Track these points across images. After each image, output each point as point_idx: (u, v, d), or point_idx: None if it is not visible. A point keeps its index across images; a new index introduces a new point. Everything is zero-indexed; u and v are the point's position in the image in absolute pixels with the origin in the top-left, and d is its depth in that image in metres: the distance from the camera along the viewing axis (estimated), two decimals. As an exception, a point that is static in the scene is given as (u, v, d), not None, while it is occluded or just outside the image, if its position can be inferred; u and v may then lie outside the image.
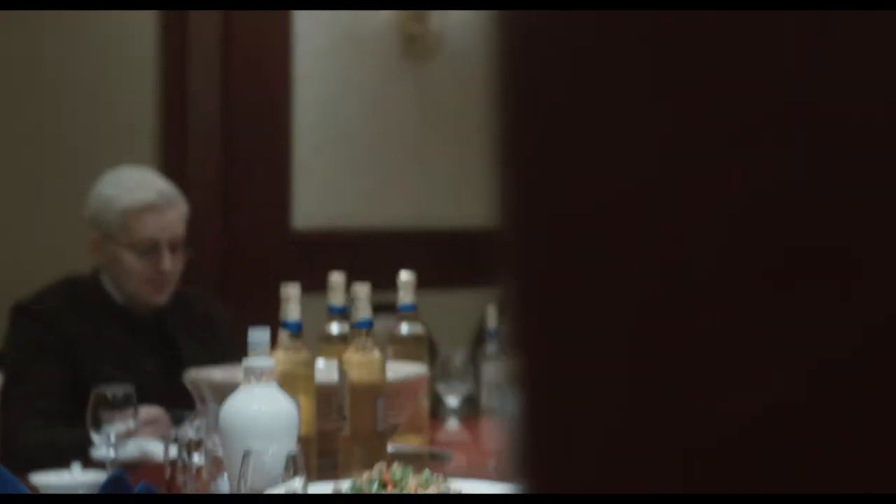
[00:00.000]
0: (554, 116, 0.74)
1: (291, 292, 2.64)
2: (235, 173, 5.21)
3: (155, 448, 3.26)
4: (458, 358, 3.64)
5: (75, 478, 2.93)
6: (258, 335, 2.38)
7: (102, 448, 3.18)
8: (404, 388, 2.82)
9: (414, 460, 2.83)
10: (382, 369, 2.65)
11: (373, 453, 2.62)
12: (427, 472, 2.26)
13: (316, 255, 5.36)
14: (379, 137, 5.60)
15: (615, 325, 0.66)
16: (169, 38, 5.05)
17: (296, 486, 2.04)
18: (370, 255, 5.46)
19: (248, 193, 5.25)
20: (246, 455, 2.03)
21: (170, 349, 3.78)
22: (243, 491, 2.02)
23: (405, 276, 3.14)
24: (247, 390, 2.36)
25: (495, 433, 3.57)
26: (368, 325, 2.65)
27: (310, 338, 5.31)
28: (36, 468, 2.98)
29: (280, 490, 2.04)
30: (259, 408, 2.34)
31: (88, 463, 3.04)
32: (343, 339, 3.05)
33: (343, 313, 3.14)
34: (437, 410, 3.52)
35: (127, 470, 2.80)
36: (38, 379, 3.58)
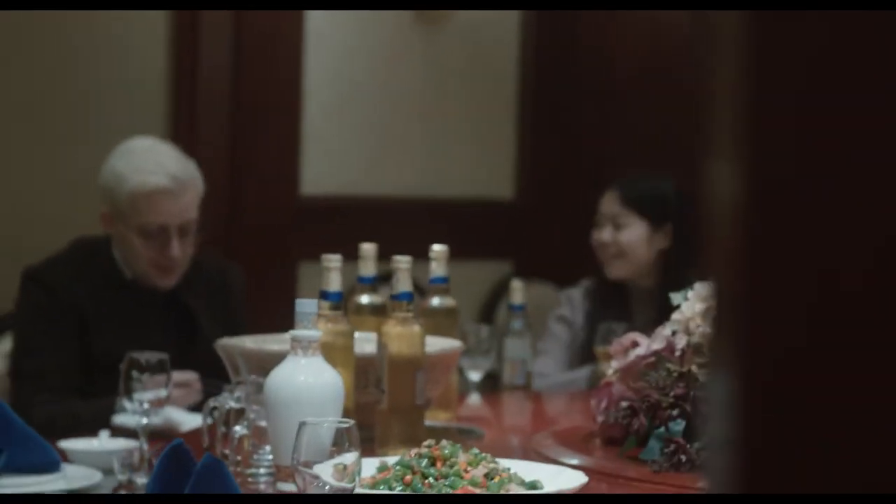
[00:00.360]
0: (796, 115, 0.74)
1: (333, 262, 2.61)
2: (244, 139, 5.17)
3: (181, 418, 3.24)
4: (483, 332, 3.61)
5: (104, 445, 2.89)
6: (305, 306, 2.35)
7: (129, 415, 3.15)
8: (440, 361, 2.79)
9: (445, 436, 2.82)
10: (422, 342, 2.62)
11: (411, 428, 2.60)
12: (475, 449, 2.23)
13: (323, 223, 5.33)
14: (387, 103, 5.57)
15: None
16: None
17: (349, 459, 2.01)
18: (377, 222, 5.42)
19: (257, 160, 5.21)
20: (301, 427, 1.99)
21: (186, 321, 3.72)
22: (295, 463, 1.99)
23: (437, 248, 3.09)
24: (293, 361, 2.33)
25: (517, 408, 3.56)
26: (409, 297, 2.61)
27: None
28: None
29: (334, 462, 2.00)
30: (306, 379, 2.31)
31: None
32: (373, 311, 3.02)
33: (373, 284, 3.10)
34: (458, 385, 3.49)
35: (153, 439, 2.78)
36: (49, 350, 3.52)
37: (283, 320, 4.79)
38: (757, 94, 0.78)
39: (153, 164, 3.56)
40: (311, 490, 1.99)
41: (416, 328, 2.60)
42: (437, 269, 3.10)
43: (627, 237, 4.06)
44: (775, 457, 0.85)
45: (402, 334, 2.60)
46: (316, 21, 5.29)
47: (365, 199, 5.52)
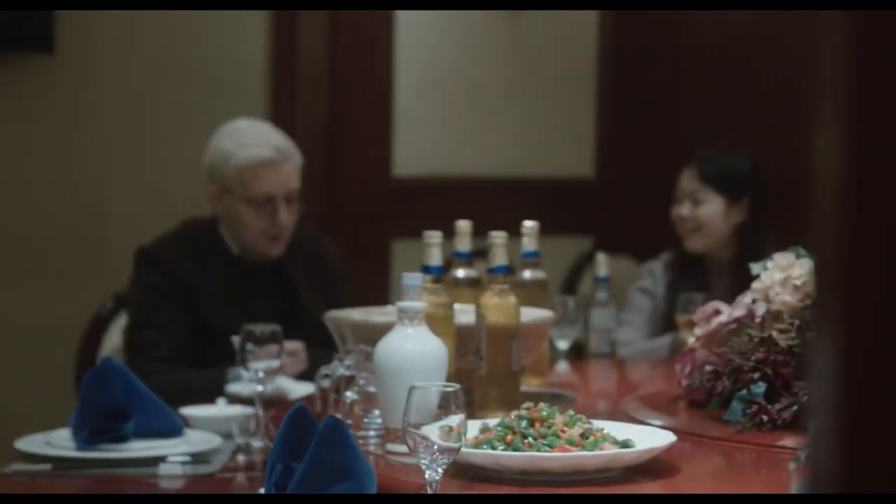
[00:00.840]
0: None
1: (434, 238, 2.76)
2: (341, 121, 5.34)
3: (290, 386, 3.41)
4: (570, 304, 3.76)
5: (222, 411, 3.07)
6: (412, 279, 2.50)
7: (242, 384, 3.34)
8: (534, 330, 2.94)
9: (538, 400, 2.97)
10: (517, 313, 2.77)
11: (508, 392, 2.75)
12: (571, 411, 2.38)
13: (415, 202, 5.50)
14: (475, 86, 5.71)
15: None
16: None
17: (455, 421, 2.16)
18: (466, 201, 5.57)
19: (353, 141, 5.38)
20: (411, 391, 2.15)
21: (288, 294, 3.90)
22: (405, 425, 2.14)
23: (529, 224, 3.25)
24: (400, 331, 2.48)
25: (603, 375, 3.70)
26: (505, 270, 2.76)
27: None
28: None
29: (440, 424, 2.15)
30: (413, 348, 2.46)
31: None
32: (469, 283, 3.17)
33: (468, 258, 3.25)
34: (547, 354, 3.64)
35: (267, 406, 2.95)
36: (161, 324, 3.71)
37: (377, 294, 4.98)
38: (862, 72, 0.89)
39: (256, 138, 3.79)
40: (421, 449, 2.14)
41: (512, 299, 2.76)
42: (529, 244, 3.26)
43: (705, 212, 4.20)
44: (874, 421, 0.91)
45: (499, 305, 2.75)
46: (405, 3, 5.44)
47: (454, 179, 5.67)
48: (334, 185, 5.36)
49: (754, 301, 2.79)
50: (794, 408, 2.57)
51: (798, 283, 2.72)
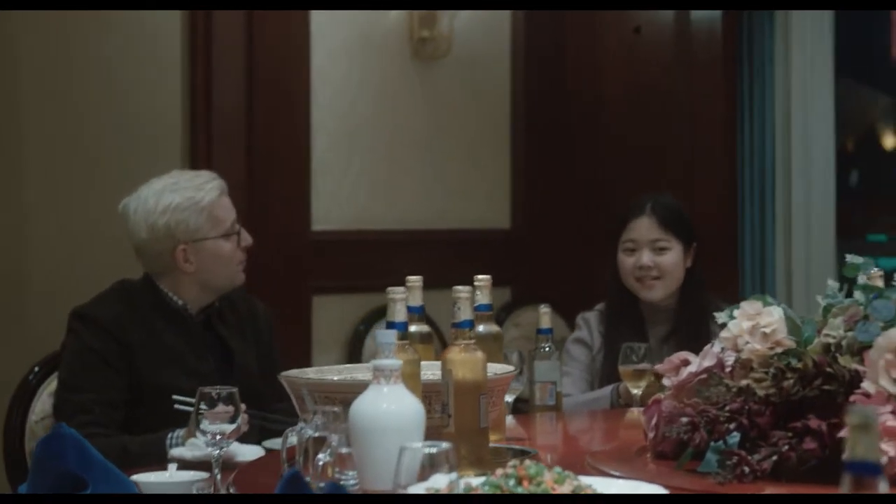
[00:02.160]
0: None
1: (398, 294, 2.66)
2: (258, 178, 5.23)
3: (236, 449, 3.28)
4: (515, 357, 3.67)
5: (175, 477, 2.93)
6: (386, 336, 2.40)
7: (184, 448, 3.21)
8: (497, 385, 2.85)
9: (504, 456, 2.88)
10: (485, 368, 2.68)
11: (477, 449, 2.66)
12: (558, 468, 2.29)
13: (335, 256, 5.40)
14: (391, 138, 5.65)
15: None
16: (194, 41, 5.06)
17: (448, 481, 2.06)
18: (386, 254, 5.50)
19: (271, 197, 5.27)
20: (401, 451, 2.05)
21: (222, 349, 3.80)
22: (396, 487, 2.04)
23: (481, 278, 3.17)
24: (376, 389, 2.38)
25: (551, 428, 3.62)
26: (470, 325, 2.67)
27: (341, 337, 5.35)
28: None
29: (437, 484, 2.05)
30: (388, 407, 2.36)
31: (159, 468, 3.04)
32: (422, 338, 3.08)
33: (420, 314, 3.15)
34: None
35: (224, 470, 2.83)
36: (96, 388, 3.58)
37: (299, 349, 4.85)
38: None
39: (195, 179, 3.77)
40: (412, 512, 2.04)
41: (480, 354, 2.67)
42: (482, 297, 3.17)
43: (670, 259, 4.14)
44: None
45: (465, 360, 2.66)
46: (320, 58, 5.37)
47: (372, 232, 5.59)
48: (253, 240, 5.24)
49: (723, 350, 2.72)
50: (774, 458, 2.51)
51: (767, 330, 2.66)
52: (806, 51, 6.00)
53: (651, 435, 2.81)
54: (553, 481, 2.24)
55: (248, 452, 3.23)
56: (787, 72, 6.04)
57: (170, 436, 3.49)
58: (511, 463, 2.29)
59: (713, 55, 6.04)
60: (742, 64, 6.11)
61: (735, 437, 2.58)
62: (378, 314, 5.54)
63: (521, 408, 3.74)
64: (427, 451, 2.07)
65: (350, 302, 5.49)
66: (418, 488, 2.07)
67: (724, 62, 6.05)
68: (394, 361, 2.38)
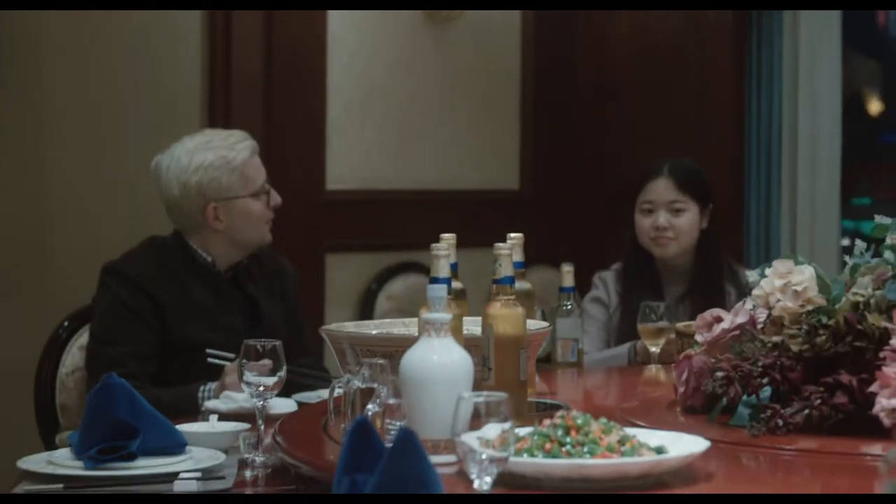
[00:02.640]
0: None
1: (442, 251, 2.72)
2: (276, 140, 5.27)
3: (270, 402, 3.33)
4: (538, 314, 3.74)
5: (216, 427, 3.00)
6: (436, 290, 2.46)
7: (218, 401, 3.28)
8: (533, 340, 2.92)
9: (536, 410, 2.96)
10: (524, 323, 2.74)
11: (517, 402, 2.69)
12: (603, 419, 2.35)
13: (347, 215, 5.46)
14: (404, 101, 5.70)
15: None
16: (214, 14, 5.11)
17: (502, 430, 2.12)
18: (397, 215, 5.56)
19: (287, 158, 5.31)
20: (459, 401, 2.12)
21: (250, 306, 3.86)
22: (454, 435, 2.10)
23: (513, 236, 3.23)
24: (426, 342, 2.44)
25: (573, 384, 3.69)
26: (511, 281, 2.73)
27: (353, 296, 5.41)
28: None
29: (488, 433, 2.11)
30: (439, 359, 2.42)
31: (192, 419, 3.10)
32: (456, 295, 3.13)
33: (454, 270, 3.20)
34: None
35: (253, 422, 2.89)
36: (128, 341, 3.63)
37: (313, 307, 4.91)
38: None
39: (228, 138, 3.80)
40: (469, 459, 2.10)
41: (520, 310, 2.73)
42: (515, 254, 3.22)
43: (685, 221, 4.21)
44: None
45: (506, 315, 2.72)
46: (336, 25, 5.41)
47: (384, 193, 5.65)
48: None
49: (754, 307, 2.79)
50: (806, 412, 2.58)
51: (798, 288, 2.73)
52: (813, 20, 6.06)
53: (681, 389, 2.88)
54: (600, 431, 2.31)
55: (280, 405, 3.29)
56: (795, 40, 6.09)
57: (201, 388, 3.55)
58: (559, 413, 2.36)
59: (724, 20, 6.09)
60: (751, 31, 6.16)
61: (767, 392, 2.65)
62: (390, 272, 5.61)
63: (540, 365, 3.79)
64: (483, 400, 2.14)
65: (362, 260, 5.55)
66: (471, 436, 2.13)
67: (734, 31, 6.10)
68: (444, 315, 2.44)
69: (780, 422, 2.56)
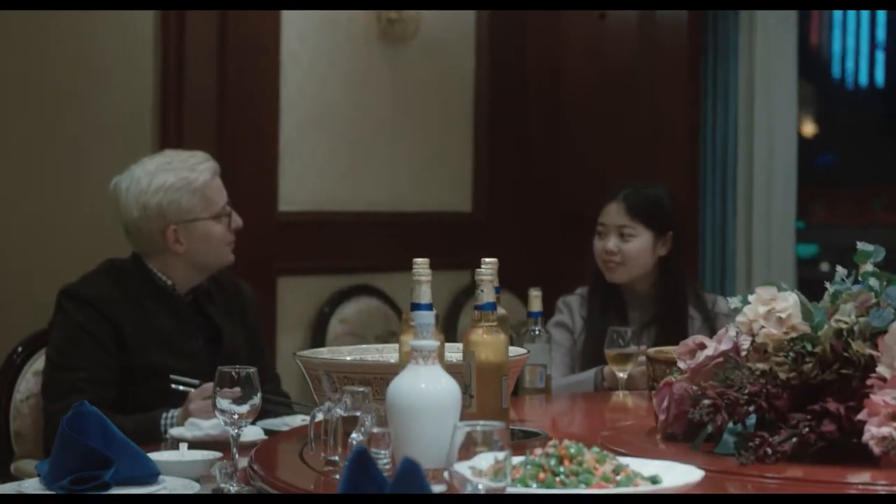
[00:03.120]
0: None
1: (423, 276, 2.70)
2: (228, 160, 5.20)
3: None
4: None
5: (186, 456, 2.95)
6: (424, 318, 2.45)
7: (183, 429, 3.24)
8: (515, 367, 2.91)
9: (514, 437, 2.94)
10: (506, 350, 2.73)
11: (499, 430, 2.70)
12: (595, 448, 2.34)
13: (300, 238, 5.43)
14: (357, 121, 5.68)
15: None
16: (167, 24, 5.06)
17: (499, 457, 2.11)
18: (350, 236, 5.54)
19: (240, 180, 5.26)
20: (455, 430, 2.10)
21: (211, 330, 3.82)
22: (449, 465, 2.09)
23: (488, 261, 3.20)
24: (413, 370, 2.43)
25: (542, 410, 3.68)
26: (493, 307, 2.72)
27: (305, 319, 5.38)
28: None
29: (487, 460, 2.09)
30: (427, 387, 2.41)
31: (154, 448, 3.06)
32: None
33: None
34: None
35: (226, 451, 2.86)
36: (87, 366, 3.58)
37: (265, 332, 4.86)
38: None
39: (193, 159, 3.77)
40: (465, 489, 2.09)
41: (502, 336, 2.72)
42: (490, 280, 3.20)
43: (634, 246, 4.23)
44: None
45: (488, 342, 2.71)
46: (290, 41, 5.38)
47: (336, 214, 5.62)
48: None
49: (737, 334, 2.80)
50: (794, 440, 2.58)
51: (783, 315, 2.73)
52: (770, 41, 6.10)
53: (662, 417, 2.87)
54: (594, 460, 2.30)
55: (248, 433, 3.24)
56: (751, 61, 6.13)
57: (164, 416, 3.51)
58: (551, 442, 2.34)
59: (678, 42, 6.12)
60: (707, 52, 6.19)
61: (752, 419, 2.65)
62: (342, 295, 5.58)
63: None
64: (479, 429, 2.12)
65: (314, 283, 5.52)
66: (462, 466, 2.12)
67: (689, 49, 6.13)
68: (432, 343, 2.43)
69: (769, 450, 2.56)
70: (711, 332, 4.09)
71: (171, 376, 3.53)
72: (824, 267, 7.50)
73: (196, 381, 3.49)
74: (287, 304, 5.37)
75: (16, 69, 4.93)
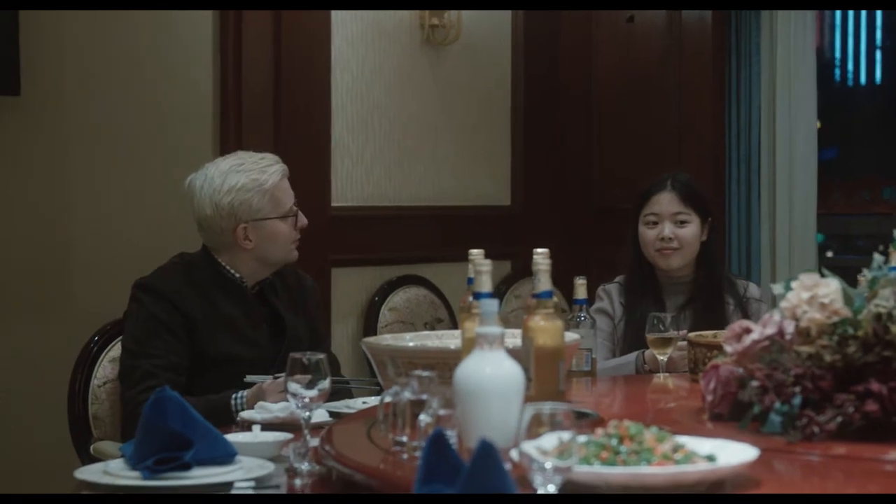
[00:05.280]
0: None
1: (484, 266, 2.67)
2: (283, 159, 5.19)
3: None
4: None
5: (258, 437, 2.93)
6: (489, 305, 2.42)
7: (253, 412, 3.22)
8: (570, 351, 2.87)
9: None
10: (563, 336, 2.70)
11: (557, 411, 2.67)
12: (654, 427, 2.30)
13: (351, 231, 5.40)
14: (402, 121, 5.65)
15: None
16: (226, 31, 5.03)
17: (564, 437, 2.07)
18: (398, 230, 5.51)
19: (294, 177, 5.24)
20: (524, 411, 2.07)
21: (275, 319, 3.80)
22: (517, 444, 2.06)
23: (541, 251, 3.16)
24: (479, 355, 2.39)
25: (588, 392, 3.64)
26: (549, 295, 2.69)
27: (356, 308, 5.34)
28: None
29: (551, 441, 2.06)
30: (492, 371, 2.38)
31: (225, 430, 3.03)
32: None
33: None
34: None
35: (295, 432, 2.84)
36: (160, 354, 3.56)
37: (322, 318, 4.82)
38: None
39: (264, 161, 3.74)
40: (534, 468, 2.06)
41: (559, 322, 2.68)
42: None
43: (690, 232, 4.19)
44: None
45: (546, 328, 2.67)
46: (339, 47, 5.36)
47: (384, 209, 5.59)
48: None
49: (782, 319, 2.75)
50: (839, 419, 2.54)
51: (825, 300, 2.69)
52: (789, 42, 6.05)
53: (709, 398, 2.83)
54: (654, 440, 2.26)
55: (315, 415, 3.21)
56: (772, 61, 6.09)
57: (234, 396, 3.49)
58: (612, 423, 2.31)
59: (703, 44, 6.08)
60: (730, 53, 6.15)
61: (798, 400, 2.61)
62: (391, 285, 5.55)
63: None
64: (548, 411, 2.09)
65: (365, 274, 5.49)
66: (529, 446, 2.08)
67: (714, 50, 6.09)
68: (497, 329, 2.39)
69: (817, 429, 2.52)
70: (744, 317, 4.07)
71: (247, 378, 3.52)
72: (829, 254, 7.48)
73: (267, 377, 3.47)
74: (340, 294, 5.35)
75: (79, 69, 4.91)
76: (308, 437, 2.75)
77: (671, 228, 4.19)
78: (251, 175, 3.66)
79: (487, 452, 1.85)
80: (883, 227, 8.02)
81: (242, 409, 3.42)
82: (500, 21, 6.04)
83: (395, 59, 5.57)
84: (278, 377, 3.39)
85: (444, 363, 2.74)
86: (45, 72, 4.84)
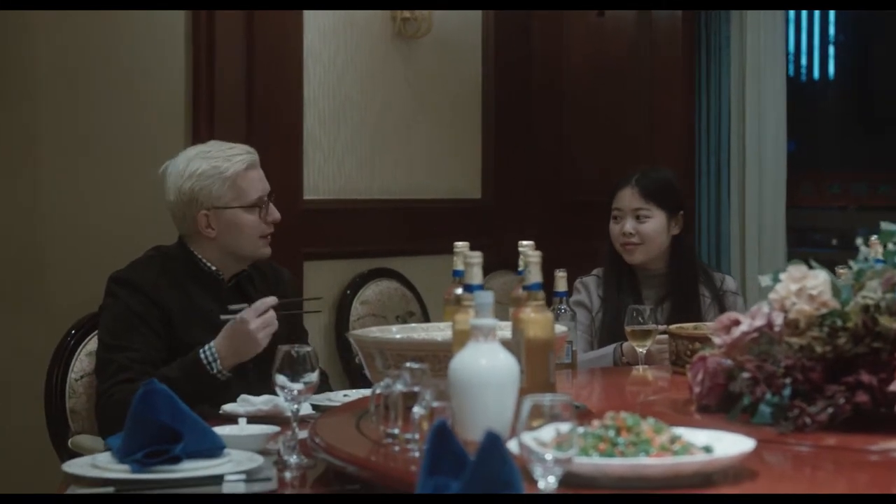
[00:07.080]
0: None
1: (475, 259, 2.65)
2: (257, 150, 5.16)
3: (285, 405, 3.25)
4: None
5: (245, 430, 2.91)
6: (484, 297, 2.40)
7: (236, 405, 3.19)
8: (559, 343, 2.86)
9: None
10: (553, 327, 2.68)
11: (547, 403, 2.65)
12: (651, 419, 2.29)
13: (324, 224, 5.37)
14: (374, 114, 5.62)
15: None
16: (197, 25, 4.99)
17: (562, 429, 2.06)
18: (369, 223, 5.49)
19: (267, 169, 5.20)
20: (522, 402, 2.05)
21: (251, 312, 3.76)
22: (518, 435, 2.04)
23: (526, 243, 3.16)
24: (474, 347, 2.38)
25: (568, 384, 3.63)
26: (539, 286, 2.67)
27: (328, 301, 5.31)
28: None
29: (549, 433, 2.04)
30: (487, 362, 2.37)
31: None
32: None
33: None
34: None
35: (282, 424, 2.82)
36: (136, 347, 3.53)
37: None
38: None
39: (227, 150, 3.69)
40: (534, 460, 2.04)
41: (549, 314, 2.67)
42: (521, 263, 3.16)
43: (650, 227, 4.20)
44: None
45: (536, 320, 2.65)
46: (311, 39, 5.33)
47: (356, 202, 5.57)
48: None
49: (770, 311, 2.75)
50: (830, 410, 2.54)
51: (814, 292, 2.69)
52: (758, 38, 6.07)
53: (697, 389, 2.83)
54: (651, 431, 2.25)
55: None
56: (742, 56, 6.10)
57: (202, 351, 3.47)
58: (609, 414, 2.30)
59: (674, 38, 6.08)
60: (700, 48, 6.16)
61: (788, 391, 2.61)
62: (363, 278, 5.52)
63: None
64: (548, 402, 2.08)
65: (336, 267, 5.46)
66: (527, 437, 2.07)
67: (684, 45, 6.10)
68: (492, 321, 2.38)
69: (808, 420, 2.52)
70: (721, 309, 4.07)
71: (222, 316, 3.48)
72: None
73: (245, 305, 3.45)
74: (312, 287, 5.31)
75: (53, 67, 4.86)
76: (297, 429, 2.73)
77: (632, 224, 4.22)
78: (213, 162, 3.63)
79: (494, 444, 1.83)
80: (837, 221, 8.08)
81: (215, 361, 3.40)
82: (472, 14, 6.02)
83: (367, 52, 5.54)
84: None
85: (434, 355, 2.73)
86: (19, 67, 4.79)
